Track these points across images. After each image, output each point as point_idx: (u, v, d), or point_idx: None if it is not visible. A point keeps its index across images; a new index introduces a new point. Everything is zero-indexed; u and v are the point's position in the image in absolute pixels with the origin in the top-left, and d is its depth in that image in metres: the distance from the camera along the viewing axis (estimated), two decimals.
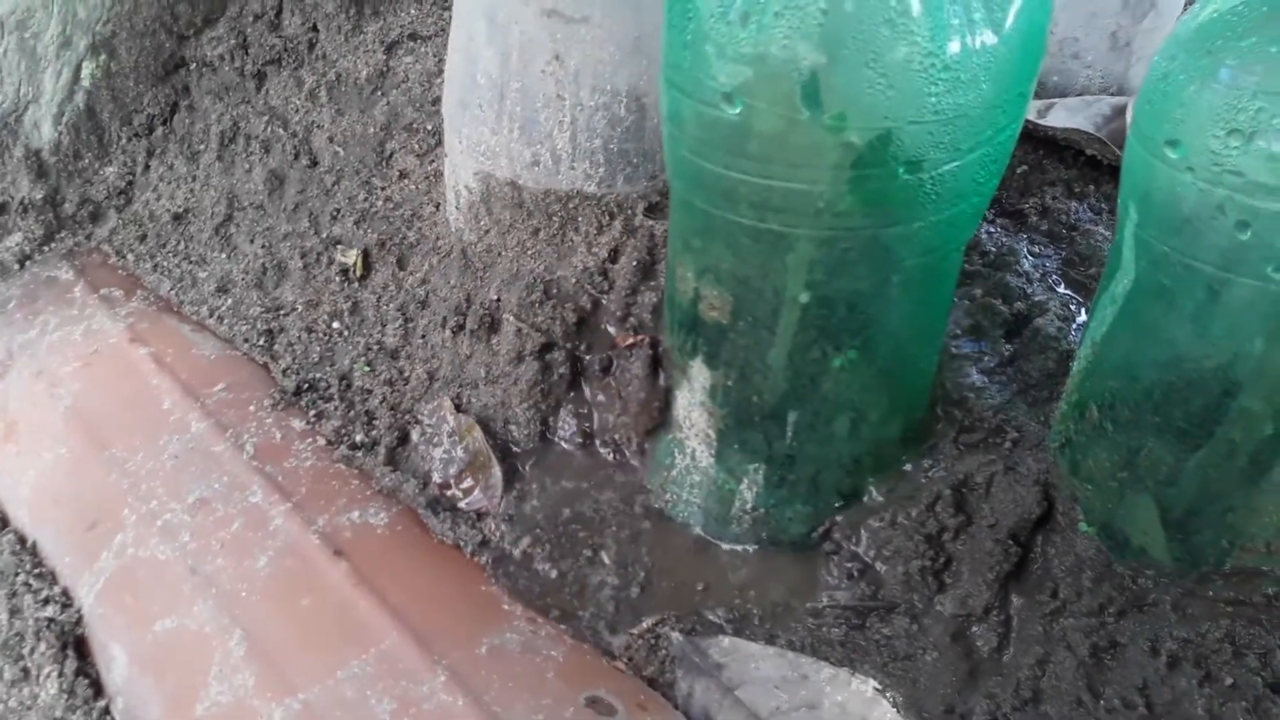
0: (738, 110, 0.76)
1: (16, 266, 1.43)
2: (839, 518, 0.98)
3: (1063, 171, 1.22)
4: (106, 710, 0.95)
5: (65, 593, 1.04)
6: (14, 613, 1.02)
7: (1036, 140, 1.29)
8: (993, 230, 1.13)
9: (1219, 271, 0.75)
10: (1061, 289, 1.09)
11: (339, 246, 1.35)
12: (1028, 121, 1.21)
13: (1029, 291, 1.09)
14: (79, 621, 1.01)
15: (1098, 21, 1.42)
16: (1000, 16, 0.75)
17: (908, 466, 0.98)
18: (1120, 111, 1.33)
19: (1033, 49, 0.78)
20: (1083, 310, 1.07)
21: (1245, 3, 0.76)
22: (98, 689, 0.97)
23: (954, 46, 0.72)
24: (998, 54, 0.74)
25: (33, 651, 0.98)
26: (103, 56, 1.53)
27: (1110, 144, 1.26)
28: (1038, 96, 1.36)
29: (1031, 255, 1.12)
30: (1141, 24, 1.41)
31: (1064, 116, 1.30)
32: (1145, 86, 0.80)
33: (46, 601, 1.03)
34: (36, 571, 1.06)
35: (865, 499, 0.98)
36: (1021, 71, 0.79)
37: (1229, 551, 0.86)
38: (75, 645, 0.99)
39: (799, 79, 0.73)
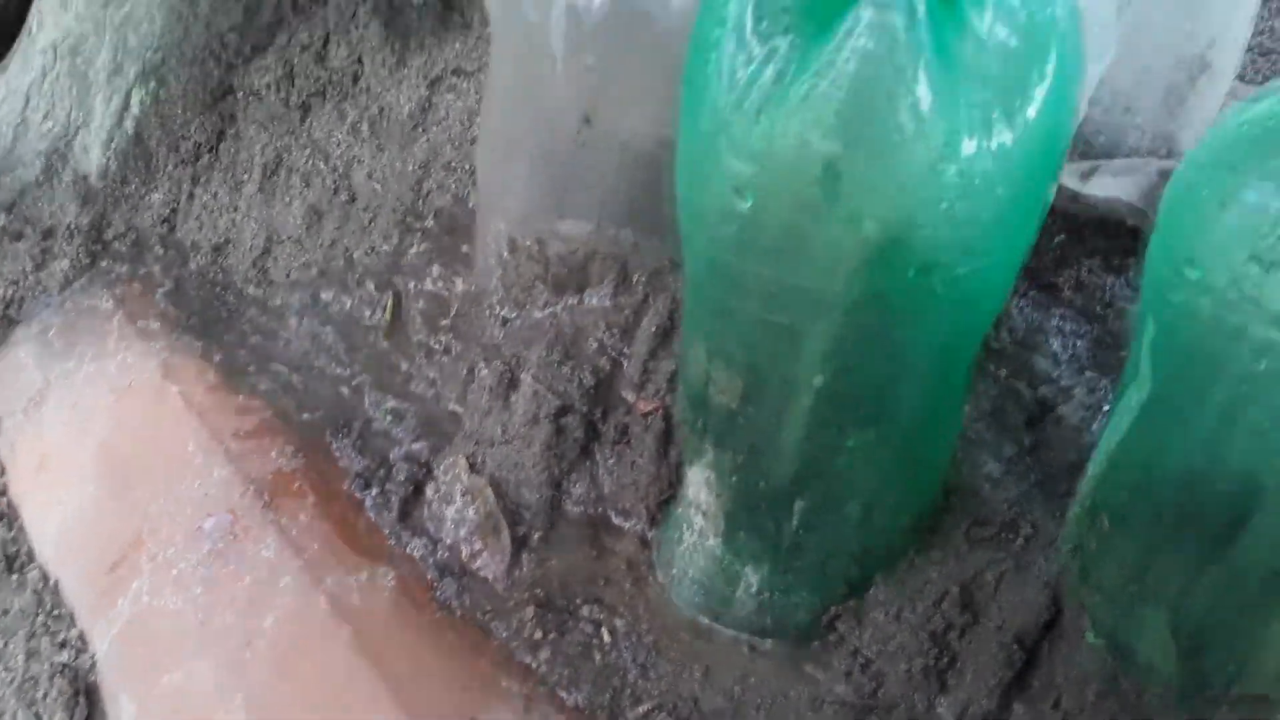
0: (748, 204, 0.75)
1: (59, 293, 1.46)
2: (845, 607, 0.97)
3: (1102, 242, 1.18)
4: None
5: (82, 636, 1.06)
6: (30, 655, 1.04)
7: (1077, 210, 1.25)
8: (1024, 304, 1.10)
9: (1234, 397, 0.72)
10: (1089, 373, 1.06)
11: (370, 287, 1.35)
12: (1066, 190, 1.18)
13: (1055, 375, 1.05)
14: (93, 668, 1.03)
15: (1150, 78, 1.37)
16: (1020, 115, 0.73)
17: (917, 558, 0.96)
18: (1168, 176, 1.28)
19: (1054, 150, 0.76)
20: (1110, 396, 1.04)
21: (1276, 115, 0.72)
22: None
23: (969, 147, 0.69)
24: (1013, 156, 0.72)
25: (45, 697, 1.00)
26: (153, 83, 1.56)
27: (1153, 214, 1.21)
28: (1084, 156, 1.32)
29: (1062, 334, 1.09)
30: (1196, 83, 1.36)
31: (1108, 182, 1.25)
32: (1168, 196, 0.77)
33: (63, 645, 1.05)
34: (55, 613, 1.08)
35: (872, 590, 0.96)
36: (1041, 174, 0.76)
37: (1236, 676, 0.83)
38: (87, 693, 1.02)
39: (809, 177, 0.71)
